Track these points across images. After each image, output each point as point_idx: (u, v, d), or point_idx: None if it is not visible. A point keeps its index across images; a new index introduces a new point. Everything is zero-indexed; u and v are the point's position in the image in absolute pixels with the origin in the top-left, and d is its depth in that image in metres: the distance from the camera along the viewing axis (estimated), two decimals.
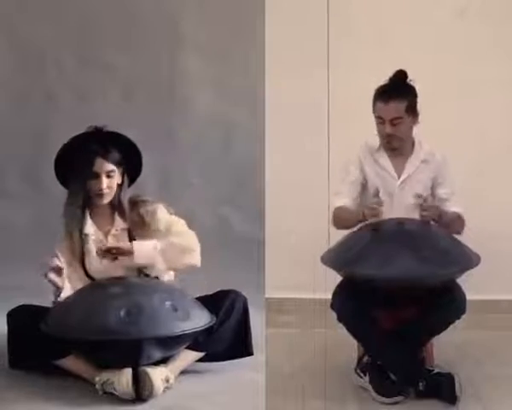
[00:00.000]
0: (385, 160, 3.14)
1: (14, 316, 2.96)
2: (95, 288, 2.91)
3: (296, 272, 3.85)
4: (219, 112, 5.37)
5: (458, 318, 2.96)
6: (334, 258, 2.94)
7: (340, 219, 3.08)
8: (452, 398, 2.85)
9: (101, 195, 3.02)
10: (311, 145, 3.89)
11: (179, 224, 3.07)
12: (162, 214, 3.07)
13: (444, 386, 2.86)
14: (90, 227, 3.05)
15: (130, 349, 2.73)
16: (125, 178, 3.10)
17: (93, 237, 3.04)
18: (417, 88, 3.09)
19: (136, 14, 5.36)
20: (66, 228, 3.04)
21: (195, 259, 3.01)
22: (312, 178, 3.86)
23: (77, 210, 3.03)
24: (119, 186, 3.07)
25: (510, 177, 3.90)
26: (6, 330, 2.96)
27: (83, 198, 3.03)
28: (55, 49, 5.40)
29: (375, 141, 3.16)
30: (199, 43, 5.36)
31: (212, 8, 5.31)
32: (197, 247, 3.02)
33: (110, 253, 2.94)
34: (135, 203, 3.08)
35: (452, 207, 3.06)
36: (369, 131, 3.16)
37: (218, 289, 3.07)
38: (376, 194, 2.95)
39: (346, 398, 2.97)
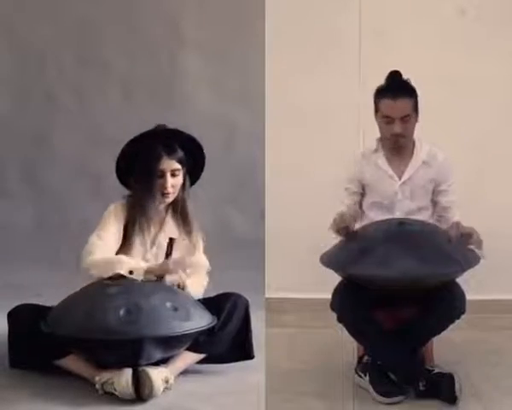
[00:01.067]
0: (383, 162, 3.13)
1: (15, 316, 2.95)
2: (95, 288, 2.90)
3: (296, 272, 3.85)
4: (219, 112, 5.37)
5: (458, 318, 2.96)
6: (334, 258, 2.94)
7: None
8: (452, 398, 2.84)
9: (165, 194, 2.99)
10: (312, 145, 3.89)
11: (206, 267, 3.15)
12: (202, 255, 3.14)
13: (444, 386, 2.86)
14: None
15: (131, 349, 2.72)
16: (187, 179, 3.06)
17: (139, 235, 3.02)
18: (416, 87, 3.05)
19: (137, 13, 5.36)
20: (132, 224, 3.00)
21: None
22: (312, 178, 3.87)
23: (134, 209, 3.00)
24: (182, 188, 3.04)
25: (510, 175, 3.90)
26: (6, 329, 2.95)
27: (144, 199, 2.98)
28: (54, 49, 5.40)
29: (372, 144, 3.16)
30: (199, 43, 5.36)
31: (212, 8, 5.32)
32: None
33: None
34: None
35: (454, 216, 3.03)
36: (366, 132, 3.15)
37: (220, 291, 3.07)
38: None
39: (346, 398, 2.97)
